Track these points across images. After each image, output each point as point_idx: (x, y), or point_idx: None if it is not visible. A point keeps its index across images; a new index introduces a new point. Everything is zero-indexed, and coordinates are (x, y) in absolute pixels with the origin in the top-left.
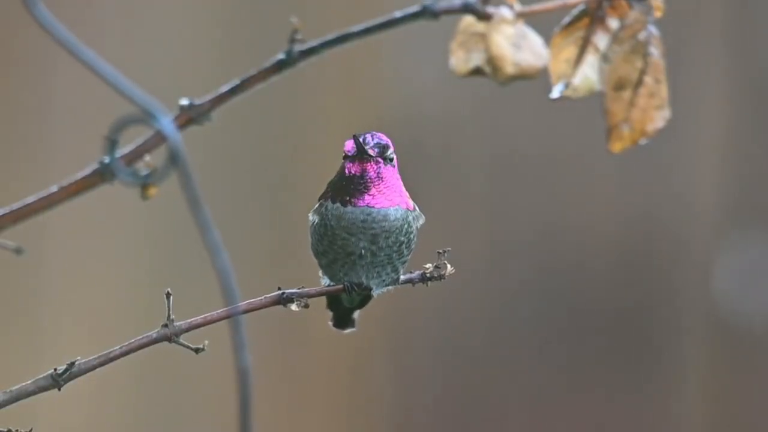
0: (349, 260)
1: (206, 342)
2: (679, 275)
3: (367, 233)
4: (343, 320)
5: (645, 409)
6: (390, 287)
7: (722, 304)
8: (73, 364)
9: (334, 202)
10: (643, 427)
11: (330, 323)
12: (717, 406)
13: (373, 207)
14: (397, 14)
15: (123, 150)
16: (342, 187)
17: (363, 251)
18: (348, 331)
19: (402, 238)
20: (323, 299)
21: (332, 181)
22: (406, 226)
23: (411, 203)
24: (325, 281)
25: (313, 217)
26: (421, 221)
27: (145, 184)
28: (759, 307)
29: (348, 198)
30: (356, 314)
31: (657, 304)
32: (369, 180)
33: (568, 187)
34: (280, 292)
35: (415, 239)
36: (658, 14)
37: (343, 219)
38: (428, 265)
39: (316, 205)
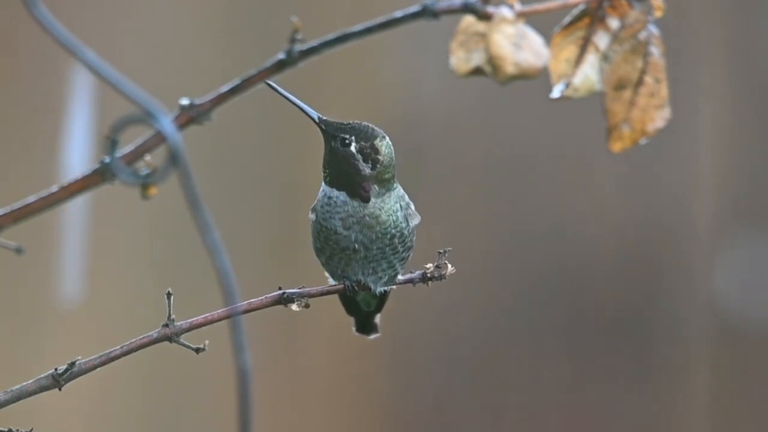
0: (345, 255)
1: (206, 342)
2: (680, 275)
3: (347, 221)
4: (365, 326)
5: (647, 410)
6: (392, 286)
7: (723, 304)
8: (73, 364)
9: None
10: (645, 427)
11: (353, 329)
12: (719, 406)
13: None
14: (398, 14)
15: (123, 150)
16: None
17: (356, 245)
18: (373, 336)
19: (392, 231)
20: (326, 298)
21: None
22: (393, 218)
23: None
24: (332, 281)
25: (311, 215)
26: (417, 220)
27: (145, 184)
28: (760, 307)
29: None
30: (377, 319)
31: (658, 304)
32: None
33: (569, 187)
34: (280, 291)
35: (410, 237)
36: (658, 14)
37: (328, 205)
38: (429, 265)
39: (315, 202)
